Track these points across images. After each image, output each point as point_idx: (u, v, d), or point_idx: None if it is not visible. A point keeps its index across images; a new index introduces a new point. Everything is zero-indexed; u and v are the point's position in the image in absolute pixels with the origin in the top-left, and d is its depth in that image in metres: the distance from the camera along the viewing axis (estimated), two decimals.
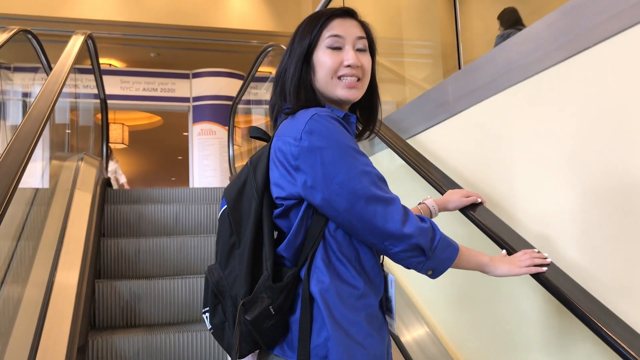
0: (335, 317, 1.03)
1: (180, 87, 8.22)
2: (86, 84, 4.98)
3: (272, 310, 1.04)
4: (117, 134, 11.90)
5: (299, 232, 1.08)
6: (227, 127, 8.03)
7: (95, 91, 4.64)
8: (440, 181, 1.65)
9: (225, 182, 7.24)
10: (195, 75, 8.23)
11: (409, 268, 1.07)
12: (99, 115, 4.73)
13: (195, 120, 8.09)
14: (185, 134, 11.73)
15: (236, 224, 1.11)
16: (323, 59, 1.12)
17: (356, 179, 1.01)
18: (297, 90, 1.13)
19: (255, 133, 1.20)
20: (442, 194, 1.54)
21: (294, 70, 1.13)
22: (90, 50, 3.78)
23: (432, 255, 1.04)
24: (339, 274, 1.06)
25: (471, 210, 1.43)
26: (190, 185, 7.60)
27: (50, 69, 3.20)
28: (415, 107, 2.16)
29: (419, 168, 1.80)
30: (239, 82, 8.36)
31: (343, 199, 1.01)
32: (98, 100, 4.60)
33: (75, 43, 2.87)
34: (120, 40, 8.67)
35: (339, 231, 1.07)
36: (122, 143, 12.05)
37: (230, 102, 8.36)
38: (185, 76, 8.26)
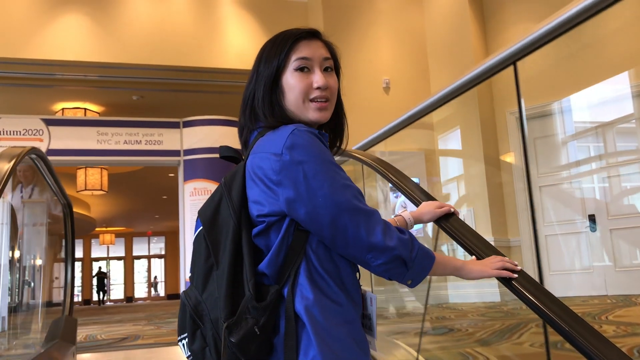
0: (322, 334, 1.01)
1: (169, 138, 6.94)
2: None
3: (257, 330, 1.02)
4: (95, 180, 10.61)
5: (281, 249, 1.07)
6: None
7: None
8: (417, 195, 1.71)
9: None
10: (187, 124, 6.98)
11: (390, 279, 1.08)
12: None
13: (186, 178, 6.80)
14: (172, 175, 10.44)
15: (213, 245, 1.10)
16: (292, 82, 1.14)
17: (339, 192, 1.04)
18: (271, 111, 1.14)
19: (226, 152, 1.20)
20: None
21: (264, 93, 1.15)
22: (40, 168, 2.55)
23: (412, 265, 1.07)
24: (322, 290, 1.05)
25: (444, 221, 1.48)
26: (181, 264, 6.25)
27: None
28: None
29: (397, 183, 1.89)
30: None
31: (327, 212, 1.02)
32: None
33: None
34: (97, 83, 7.41)
35: (321, 247, 1.08)
36: (101, 189, 10.76)
37: None
38: (175, 125, 7.00)
